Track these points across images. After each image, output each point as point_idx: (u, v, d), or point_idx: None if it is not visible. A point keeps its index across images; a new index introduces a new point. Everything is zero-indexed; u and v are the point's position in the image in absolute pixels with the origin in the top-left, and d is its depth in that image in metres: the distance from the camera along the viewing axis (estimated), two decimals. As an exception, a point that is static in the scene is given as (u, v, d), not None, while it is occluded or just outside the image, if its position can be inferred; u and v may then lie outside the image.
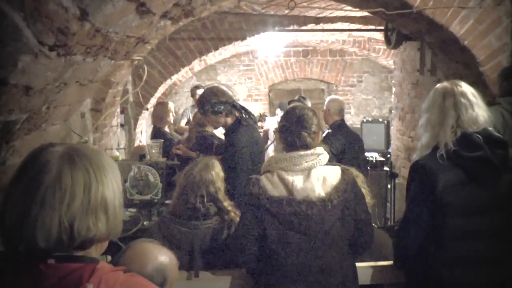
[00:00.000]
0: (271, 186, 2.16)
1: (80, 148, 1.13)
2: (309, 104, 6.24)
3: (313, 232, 2.13)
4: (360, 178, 2.55)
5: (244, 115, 3.48)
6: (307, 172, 2.16)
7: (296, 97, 6.93)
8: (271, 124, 7.45)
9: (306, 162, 2.17)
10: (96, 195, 1.07)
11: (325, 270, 2.14)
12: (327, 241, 2.15)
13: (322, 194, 2.13)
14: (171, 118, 5.86)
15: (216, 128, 4.03)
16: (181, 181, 2.55)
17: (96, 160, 1.11)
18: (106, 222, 1.10)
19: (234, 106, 3.47)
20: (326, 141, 4.39)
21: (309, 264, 2.14)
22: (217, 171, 2.57)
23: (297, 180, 2.14)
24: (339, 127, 4.66)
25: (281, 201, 2.12)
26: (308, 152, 2.19)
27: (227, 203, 2.54)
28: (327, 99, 5.00)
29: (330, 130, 4.67)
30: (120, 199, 1.15)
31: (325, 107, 4.82)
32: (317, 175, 2.16)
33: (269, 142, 6.62)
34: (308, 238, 2.14)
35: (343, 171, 2.22)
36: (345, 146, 4.49)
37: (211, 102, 3.41)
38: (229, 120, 3.48)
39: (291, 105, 4.45)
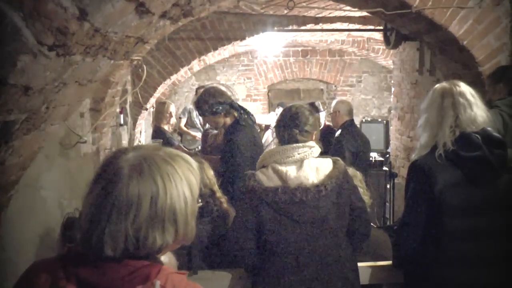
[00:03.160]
0: (266, 178, 2.21)
1: (152, 156, 1.13)
2: (321, 109, 6.23)
3: (309, 220, 2.17)
4: (358, 178, 2.57)
5: (242, 115, 3.49)
6: (300, 163, 2.21)
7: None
8: (270, 120, 7.48)
9: (299, 153, 2.22)
10: (163, 207, 1.09)
11: (323, 260, 2.17)
12: (323, 229, 2.18)
13: (316, 181, 2.18)
14: (170, 118, 5.87)
15: (215, 128, 4.03)
16: None
17: (167, 169, 1.12)
18: (174, 233, 1.12)
19: (232, 106, 3.47)
20: (342, 139, 4.50)
21: (307, 254, 2.17)
22: (206, 166, 2.66)
23: (290, 170, 2.19)
24: (351, 127, 4.76)
25: (276, 190, 2.16)
26: (300, 144, 2.25)
27: (220, 195, 2.61)
28: (334, 101, 5.13)
29: (341, 130, 4.74)
30: (194, 205, 1.16)
31: (332, 110, 4.91)
32: (310, 165, 2.21)
33: (270, 139, 6.64)
34: (304, 226, 2.17)
35: (334, 162, 2.27)
36: (358, 147, 4.59)
37: (209, 102, 3.42)
38: (228, 120, 3.49)
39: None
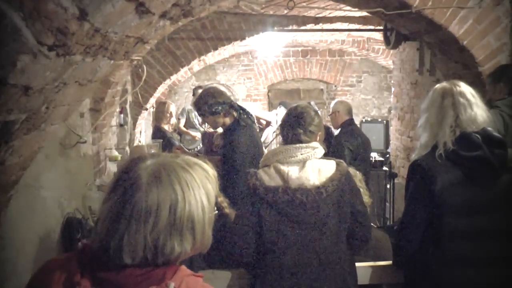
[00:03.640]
0: (267, 177, 2.21)
1: (171, 164, 1.13)
2: (315, 108, 6.25)
3: (309, 221, 2.17)
4: (358, 177, 2.57)
5: (242, 115, 3.49)
6: (302, 164, 2.21)
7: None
8: (271, 117, 7.49)
9: (302, 154, 2.22)
10: (182, 215, 1.08)
11: (322, 261, 2.16)
12: (323, 231, 2.18)
13: (317, 183, 2.17)
14: (170, 118, 5.88)
15: (215, 128, 4.03)
16: None
17: (186, 177, 1.12)
18: (192, 241, 1.11)
19: (231, 106, 3.47)
20: (341, 137, 4.50)
21: (305, 255, 2.16)
22: (211, 167, 2.62)
23: (292, 171, 2.19)
24: (350, 125, 4.75)
25: (276, 189, 2.16)
26: (303, 145, 2.25)
27: (221, 199, 2.59)
28: (333, 102, 5.09)
29: (340, 129, 4.75)
30: (211, 213, 1.16)
31: (332, 110, 4.91)
32: (312, 167, 2.21)
33: (270, 137, 6.65)
34: (304, 227, 2.17)
35: (337, 164, 2.27)
36: (359, 145, 4.56)
37: (209, 103, 3.42)
38: (228, 120, 3.49)
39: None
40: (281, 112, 7.12)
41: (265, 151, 4.46)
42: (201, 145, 6.84)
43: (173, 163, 1.14)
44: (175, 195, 1.08)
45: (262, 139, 6.47)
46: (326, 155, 2.35)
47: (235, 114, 3.48)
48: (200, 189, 1.13)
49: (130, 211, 1.06)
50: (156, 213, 1.06)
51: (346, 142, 4.51)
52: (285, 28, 6.27)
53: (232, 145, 3.36)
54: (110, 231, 1.07)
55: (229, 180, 3.30)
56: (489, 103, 2.98)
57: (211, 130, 4.28)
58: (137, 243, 1.05)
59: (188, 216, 1.09)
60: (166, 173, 1.10)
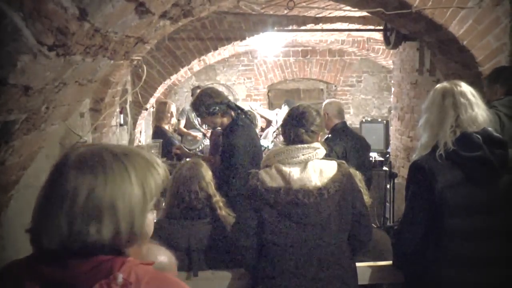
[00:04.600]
0: (269, 178, 2.20)
1: (100, 152, 1.11)
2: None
3: (311, 222, 2.16)
4: (357, 177, 2.57)
5: (240, 115, 3.50)
6: (304, 164, 2.21)
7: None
8: (272, 116, 7.49)
9: (303, 155, 2.22)
10: (100, 201, 1.06)
11: (323, 262, 2.16)
12: (324, 232, 2.17)
13: (319, 184, 2.17)
14: (170, 118, 5.89)
15: (213, 129, 4.04)
16: (171, 184, 2.59)
17: (113, 165, 1.09)
18: (114, 230, 1.07)
19: (229, 106, 3.48)
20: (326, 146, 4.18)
21: (307, 256, 2.16)
22: (205, 168, 2.63)
23: (294, 171, 2.19)
24: (340, 131, 4.27)
25: (278, 190, 2.16)
26: (305, 145, 2.25)
27: (217, 198, 2.59)
28: (324, 103, 4.60)
29: (329, 135, 4.28)
30: (143, 204, 1.12)
31: (322, 112, 4.52)
32: (314, 167, 2.21)
33: (270, 137, 6.64)
34: (305, 228, 2.16)
35: (339, 165, 2.27)
36: (347, 150, 4.16)
37: (206, 103, 3.44)
38: (226, 120, 3.50)
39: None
40: (284, 110, 7.12)
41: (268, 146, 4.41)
42: (202, 146, 6.86)
43: (104, 150, 1.12)
44: (95, 180, 1.06)
45: (262, 139, 6.47)
46: None
47: (233, 114, 3.49)
48: (130, 178, 1.09)
49: (52, 195, 1.07)
50: (72, 197, 1.05)
51: (329, 152, 4.13)
52: (285, 28, 6.26)
53: (230, 145, 3.37)
54: (36, 215, 1.08)
55: (227, 179, 3.31)
56: (488, 104, 2.99)
57: (219, 129, 4.24)
58: (53, 226, 1.05)
59: (108, 203, 1.06)
60: (91, 159, 1.09)
